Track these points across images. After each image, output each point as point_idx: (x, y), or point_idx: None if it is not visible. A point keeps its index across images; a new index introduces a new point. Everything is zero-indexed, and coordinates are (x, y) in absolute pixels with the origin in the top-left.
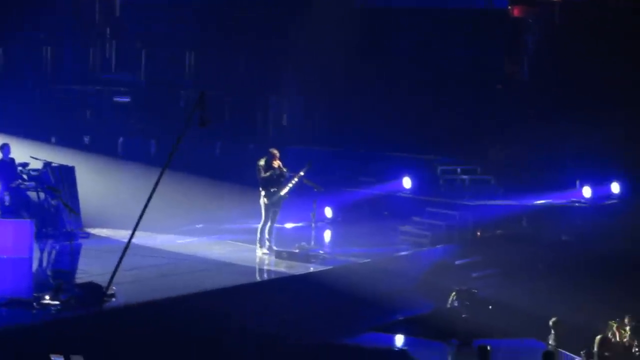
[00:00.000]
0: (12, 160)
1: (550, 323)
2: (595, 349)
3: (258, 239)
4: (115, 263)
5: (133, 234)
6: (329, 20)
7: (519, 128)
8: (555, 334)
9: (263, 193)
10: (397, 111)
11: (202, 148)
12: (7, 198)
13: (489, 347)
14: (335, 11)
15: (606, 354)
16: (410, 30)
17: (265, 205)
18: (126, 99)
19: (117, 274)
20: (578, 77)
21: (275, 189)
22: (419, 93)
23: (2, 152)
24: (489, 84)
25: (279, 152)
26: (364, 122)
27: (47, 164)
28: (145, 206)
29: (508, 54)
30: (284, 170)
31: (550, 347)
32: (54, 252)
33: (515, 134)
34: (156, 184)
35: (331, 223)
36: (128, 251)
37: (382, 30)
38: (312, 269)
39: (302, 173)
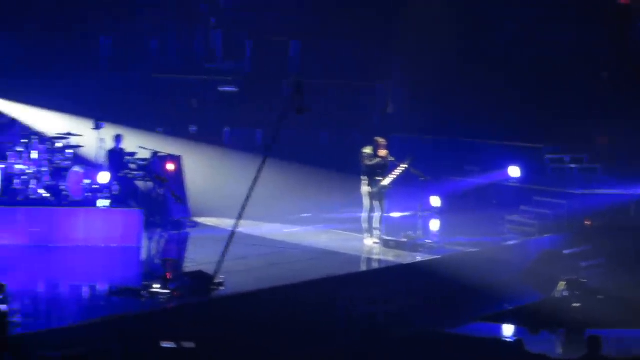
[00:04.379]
0: (122, 150)
1: None
2: None
3: (366, 228)
4: (222, 252)
5: (237, 223)
6: (434, 7)
7: (625, 115)
8: None
9: (366, 182)
10: (503, 99)
11: (308, 136)
12: (115, 187)
13: (600, 337)
14: None
15: None
16: (515, 17)
17: (368, 193)
18: (232, 89)
19: (225, 263)
20: None
21: (379, 178)
22: (525, 81)
23: (115, 142)
24: (595, 71)
25: (386, 140)
26: (469, 110)
27: (154, 154)
28: (248, 195)
29: (614, 41)
30: (391, 159)
31: None
32: (162, 241)
33: (622, 122)
34: (258, 172)
35: (438, 212)
36: (235, 240)
37: (487, 17)
38: (419, 258)
39: (405, 165)
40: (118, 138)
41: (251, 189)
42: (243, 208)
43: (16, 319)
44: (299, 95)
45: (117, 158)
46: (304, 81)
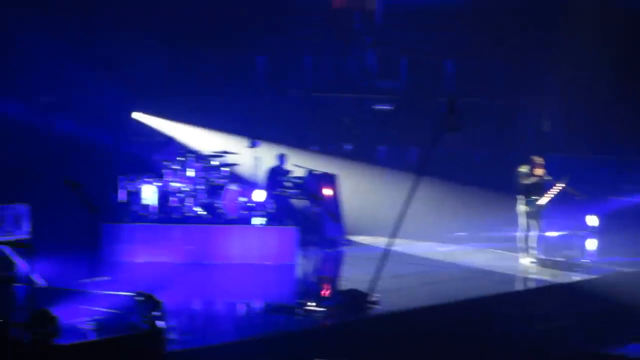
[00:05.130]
0: (282, 169)
1: None
2: None
3: (522, 247)
4: (377, 270)
5: (391, 241)
6: (590, 24)
7: None
8: None
9: (523, 200)
10: None
11: (464, 155)
12: (271, 205)
13: None
14: (596, 13)
15: None
16: None
17: (525, 212)
18: (386, 107)
19: (380, 281)
20: None
21: (536, 197)
22: None
23: (278, 161)
24: None
25: (543, 159)
26: (627, 128)
27: (309, 172)
28: (403, 213)
29: None
30: (548, 178)
31: None
32: (317, 259)
33: None
34: (411, 191)
35: (595, 231)
36: (389, 258)
37: None
38: (576, 278)
39: (562, 184)
40: (282, 157)
41: (405, 207)
42: (397, 226)
43: (173, 335)
44: (452, 113)
45: (275, 176)
46: (459, 100)
